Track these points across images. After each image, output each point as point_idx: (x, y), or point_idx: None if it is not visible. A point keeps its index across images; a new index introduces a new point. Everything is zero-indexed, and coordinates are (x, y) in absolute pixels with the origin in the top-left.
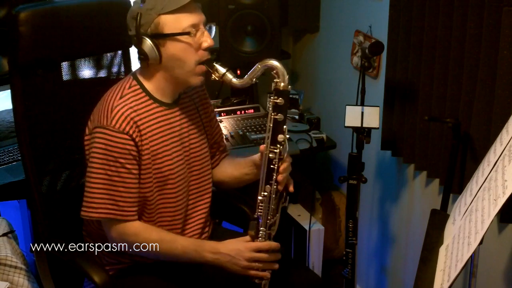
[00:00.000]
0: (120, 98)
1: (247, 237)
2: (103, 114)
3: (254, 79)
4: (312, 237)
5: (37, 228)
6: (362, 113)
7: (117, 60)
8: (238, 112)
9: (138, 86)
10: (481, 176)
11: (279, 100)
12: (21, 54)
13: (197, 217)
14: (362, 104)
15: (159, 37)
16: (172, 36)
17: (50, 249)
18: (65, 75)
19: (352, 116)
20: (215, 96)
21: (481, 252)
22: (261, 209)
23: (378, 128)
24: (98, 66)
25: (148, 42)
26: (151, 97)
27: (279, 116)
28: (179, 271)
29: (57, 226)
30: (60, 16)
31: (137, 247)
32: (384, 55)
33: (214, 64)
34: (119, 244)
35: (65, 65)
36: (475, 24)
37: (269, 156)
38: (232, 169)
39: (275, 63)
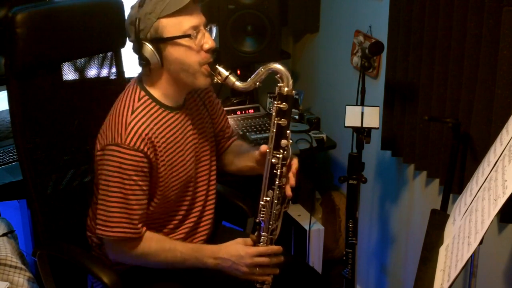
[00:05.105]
0: (132, 113)
1: (248, 240)
2: (117, 131)
3: (257, 83)
4: (312, 237)
5: (37, 229)
6: (362, 113)
7: (116, 59)
8: (238, 112)
9: (147, 97)
10: (481, 176)
11: (283, 105)
12: (18, 56)
13: (207, 216)
14: (362, 104)
15: (160, 41)
16: (172, 39)
17: (53, 252)
18: (63, 76)
19: (352, 116)
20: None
21: (481, 252)
22: (263, 214)
23: (378, 128)
24: (96, 66)
25: (148, 47)
26: (161, 105)
27: (283, 121)
28: (183, 271)
29: (57, 227)
30: (57, 17)
31: (136, 258)
32: (384, 55)
33: (217, 66)
34: (118, 256)
35: (63, 66)
36: (475, 24)
37: (271, 161)
38: (237, 160)
39: (279, 67)
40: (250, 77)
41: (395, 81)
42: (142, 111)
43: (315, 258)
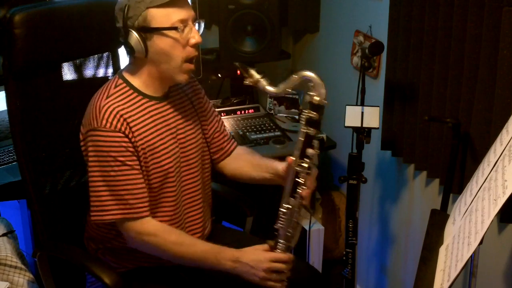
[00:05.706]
0: (107, 97)
1: (266, 246)
2: (92, 116)
3: (288, 89)
4: (312, 237)
5: (37, 230)
6: (362, 113)
7: (115, 60)
8: (238, 112)
9: (124, 84)
10: (481, 176)
11: (314, 115)
12: (16, 56)
13: (197, 215)
14: (362, 104)
15: (146, 31)
16: (159, 30)
17: (53, 253)
18: (62, 76)
19: (352, 116)
20: (215, 96)
21: (481, 252)
22: (282, 221)
23: (378, 128)
24: (94, 67)
25: (134, 35)
26: (139, 92)
27: (312, 131)
28: (185, 272)
29: (57, 227)
30: (55, 18)
31: (155, 247)
32: (384, 55)
33: (249, 69)
34: (137, 244)
35: (61, 66)
36: (475, 24)
37: (296, 169)
38: (251, 169)
39: (312, 75)
40: (281, 83)
41: (395, 81)
42: (117, 96)
43: (315, 258)
